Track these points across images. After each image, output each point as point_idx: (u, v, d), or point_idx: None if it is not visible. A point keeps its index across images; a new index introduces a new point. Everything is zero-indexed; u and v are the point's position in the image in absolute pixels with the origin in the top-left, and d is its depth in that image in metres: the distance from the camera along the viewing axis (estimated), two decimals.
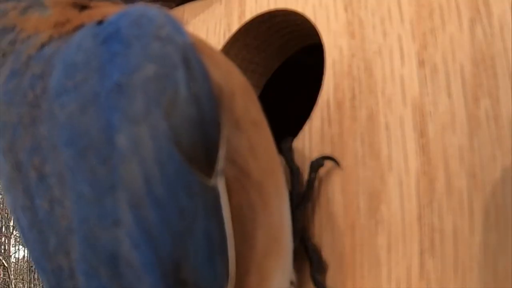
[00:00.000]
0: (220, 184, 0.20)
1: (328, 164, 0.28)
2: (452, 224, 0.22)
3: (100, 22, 0.21)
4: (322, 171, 0.28)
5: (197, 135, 0.19)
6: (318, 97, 0.30)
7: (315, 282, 0.26)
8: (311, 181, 0.28)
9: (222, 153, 0.20)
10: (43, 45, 0.22)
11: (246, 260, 0.21)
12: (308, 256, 0.27)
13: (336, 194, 0.27)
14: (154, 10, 0.21)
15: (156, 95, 0.19)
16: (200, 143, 0.19)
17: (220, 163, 0.20)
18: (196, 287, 0.19)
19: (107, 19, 0.21)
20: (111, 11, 0.22)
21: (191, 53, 0.20)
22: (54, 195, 0.20)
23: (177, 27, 0.20)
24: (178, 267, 0.19)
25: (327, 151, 0.28)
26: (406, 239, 0.24)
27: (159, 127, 0.18)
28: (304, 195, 0.28)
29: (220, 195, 0.20)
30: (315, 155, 0.29)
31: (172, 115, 0.19)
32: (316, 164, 0.28)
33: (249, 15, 0.36)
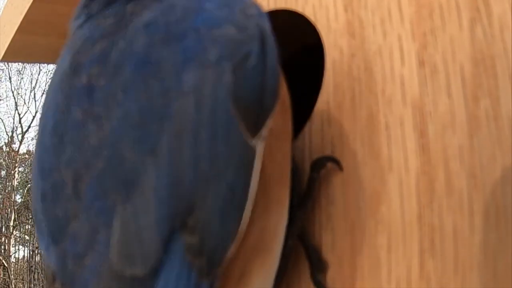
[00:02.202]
0: (259, 148, 0.21)
1: (329, 165, 0.28)
2: (452, 224, 0.22)
3: None
4: (322, 171, 0.28)
5: (255, 97, 0.21)
6: (318, 97, 0.30)
7: (315, 282, 0.26)
8: (313, 180, 0.28)
9: (270, 122, 0.21)
10: None
11: (234, 254, 0.21)
12: (307, 256, 0.27)
13: (336, 194, 0.27)
14: None
15: (230, 52, 0.20)
16: (256, 105, 0.21)
17: (265, 130, 0.21)
18: (200, 238, 0.19)
19: None
20: None
21: (268, 34, 0.22)
22: (94, 109, 0.21)
23: (263, 14, 0.23)
24: (190, 211, 0.19)
25: (327, 151, 0.28)
26: (406, 239, 0.24)
27: (224, 78, 0.20)
28: (305, 194, 0.28)
29: (256, 157, 0.20)
30: (315, 155, 0.29)
31: (239, 73, 0.20)
32: (319, 164, 0.28)
33: None
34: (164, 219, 0.19)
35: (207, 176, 0.19)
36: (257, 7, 0.23)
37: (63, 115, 0.22)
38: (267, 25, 0.22)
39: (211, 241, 0.19)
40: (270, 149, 0.22)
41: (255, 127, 0.21)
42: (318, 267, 0.27)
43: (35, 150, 0.24)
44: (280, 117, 0.23)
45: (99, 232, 0.20)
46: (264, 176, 0.22)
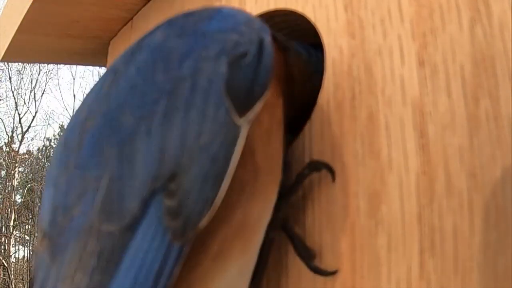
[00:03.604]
0: (244, 129, 0.22)
1: (324, 172, 0.28)
2: (452, 224, 0.22)
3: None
4: (323, 171, 0.28)
5: (246, 85, 0.23)
6: (318, 97, 0.30)
7: (312, 269, 0.27)
8: (301, 176, 0.28)
9: (257, 108, 0.23)
10: None
11: (216, 226, 0.22)
12: (293, 246, 0.28)
13: (336, 194, 0.27)
14: (257, 18, 0.27)
15: (229, 49, 0.23)
16: (246, 91, 0.23)
17: (252, 114, 0.23)
18: (179, 202, 0.21)
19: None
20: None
21: (268, 44, 0.24)
22: (109, 77, 0.25)
23: (265, 29, 0.25)
24: (173, 177, 0.21)
25: (327, 151, 0.28)
26: (406, 239, 0.24)
27: (219, 69, 0.23)
28: (291, 188, 0.28)
29: (240, 136, 0.22)
30: (315, 155, 0.29)
31: (234, 66, 0.23)
32: (314, 166, 0.28)
33: None
34: (146, 181, 0.21)
35: (192, 147, 0.21)
36: (261, 23, 0.25)
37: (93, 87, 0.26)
38: (267, 37, 0.25)
39: (189, 205, 0.21)
40: (262, 142, 0.25)
41: (243, 109, 0.23)
42: (306, 255, 0.27)
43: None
44: (271, 112, 0.25)
45: (88, 187, 0.22)
46: (254, 165, 0.24)
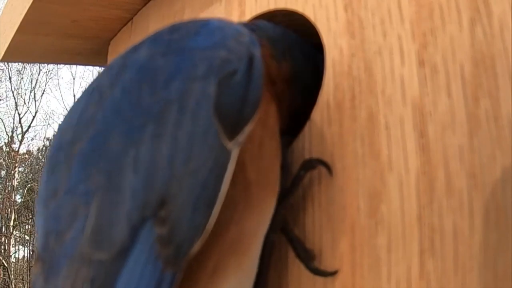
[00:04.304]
0: (234, 152, 0.22)
1: (321, 168, 0.28)
2: (452, 224, 0.22)
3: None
4: (322, 171, 0.28)
5: (235, 108, 0.22)
6: (318, 97, 0.30)
7: (311, 270, 0.27)
8: (298, 178, 0.28)
9: (247, 129, 0.23)
10: None
11: (211, 244, 0.22)
12: (293, 247, 0.28)
13: (336, 194, 0.27)
14: (240, 25, 0.26)
15: (217, 69, 0.23)
16: (235, 113, 0.22)
17: (242, 136, 0.22)
18: (170, 230, 0.21)
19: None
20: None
21: (257, 60, 0.24)
22: (94, 98, 0.24)
23: (255, 42, 0.24)
24: (162, 204, 0.21)
25: (327, 151, 0.28)
26: (406, 239, 0.24)
27: (208, 89, 0.22)
28: (288, 190, 0.28)
29: (230, 160, 0.22)
30: (315, 155, 0.29)
31: (223, 86, 0.22)
32: (309, 165, 0.28)
33: (249, 15, 0.36)
34: (135, 208, 0.21)
35: (181, 173, 0.21)
36: (250, 36, 0.25)
37: (77, 103, 0.26)
38: (257, 52, 0.24)
39: (180, 233, 0.21)
40: (253, 156, 0.24)
41: (232, 132, 0.22)
42: (306, 257, 0.27)
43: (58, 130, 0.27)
44: (263, 123, 0.25)
45: (78, 213, 0.22)
46: (245, 181, 0.23)
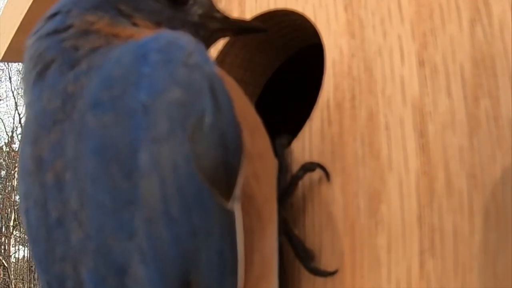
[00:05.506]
0: (237, 208, 0.20)
1: (318, 172, 0.28)
2: (452, 224, 0.22)
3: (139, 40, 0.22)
4: (322, 173, 0.28)
5: (219, 160, 0.20)
6: (318, 97, 0.30)
7: (310, 270, 0.27)
8: (296, 178, 0.28)
9: (240, 179, 0.21)
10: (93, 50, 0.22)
11: (243, 283, 0.21)
12: (293, 247, 0.28)
13: (336, 194, 0.27)
14: (185, 37, 0.22)
15: (181, 118, 0.20)
16: (222, 168, 0.20)
17: (238, 189, 0.20)
18: None
19: (141, 40, 0.22)
20: (148, 33, 0.23)
21: (217, 82, 0.21)
22: (69, 206, 0.21)
23: (205, 57, 0.21)
24: (188, 284, 0.19)
25: (327, 151, 0.28)
26: (406, 239, 0.24)
27: (182, 149, 0.19)
28: (286, 191, 0.28)
29: (236, 218, 0.20)
30: (315, 155, 0.29)
31: (196, 139, 0.19)
32: (308, 167, 0.28)
33: (249, 15, 0.36)
34: None
35: (192, 249, 0.19)
36: (200, 51, 0.21)
37: (42, 212, 0.22)
38: (213, 71, 0.21)
39: None
40: (258, 184, 0.22)
41: (227, 190, 0.20)
42: (305, 256, 0.27)
43: (28, 240, 0.23)
44: (258, 140, 0.23)
45: None
46: (255, 204, 0.22)
